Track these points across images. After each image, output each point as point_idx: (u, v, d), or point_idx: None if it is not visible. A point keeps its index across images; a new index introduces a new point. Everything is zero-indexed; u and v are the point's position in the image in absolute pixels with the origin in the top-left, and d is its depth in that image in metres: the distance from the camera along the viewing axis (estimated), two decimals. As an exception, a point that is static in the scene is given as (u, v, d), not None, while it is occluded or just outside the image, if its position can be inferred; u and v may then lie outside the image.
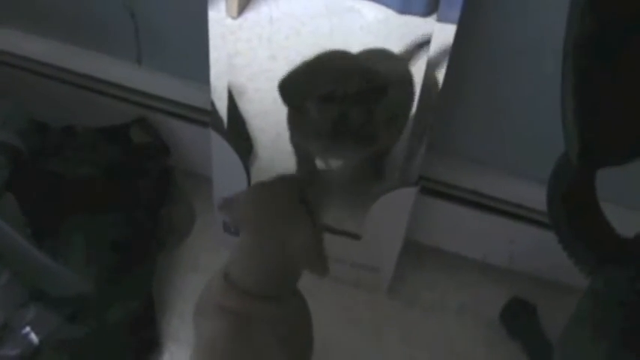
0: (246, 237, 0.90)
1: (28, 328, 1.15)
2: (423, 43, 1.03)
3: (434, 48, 1.02)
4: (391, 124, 1.15)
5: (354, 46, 1.08)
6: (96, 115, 1.37)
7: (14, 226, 1.14)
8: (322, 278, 0.89)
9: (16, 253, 1.16)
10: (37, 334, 1.15)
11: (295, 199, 0.91)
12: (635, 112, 0.70)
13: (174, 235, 1.39)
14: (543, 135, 1.01)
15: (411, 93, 1.08)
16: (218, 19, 1.09)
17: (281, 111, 1.16)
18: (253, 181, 1.25)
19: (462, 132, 1.24)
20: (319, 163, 1.24)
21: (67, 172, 1.27)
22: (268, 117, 1.20)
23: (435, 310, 1.34)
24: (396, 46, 1.07)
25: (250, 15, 1.09)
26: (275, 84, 1.13)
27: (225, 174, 1.28)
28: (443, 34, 1.00)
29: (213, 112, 1.20)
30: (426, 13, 1.00)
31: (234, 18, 1.09)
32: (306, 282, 0.94)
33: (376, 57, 1.09)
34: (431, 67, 1.04)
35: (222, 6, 1.07)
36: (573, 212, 0.81)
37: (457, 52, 1.02)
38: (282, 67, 1.11)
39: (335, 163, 1.25)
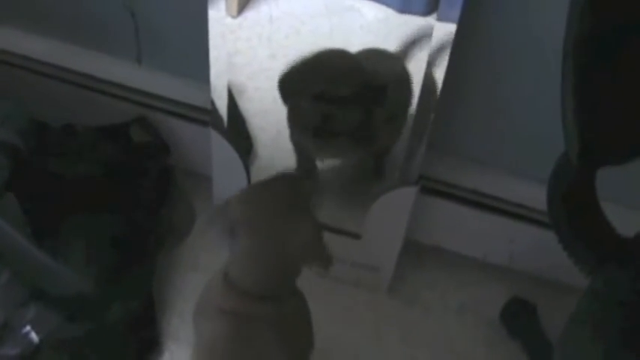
0: (246, 237, 0.90)
1: (28, 328, 1.15)
2: (423, 43, 1.03)
3: (434, 47, 1.02)
4: (391, 124, 1.15)
5: (354, 46, 1.08)
6: (96, 114, 1.37)
7: (14, 225, 1.14)
8: (327, 270, 0.89)
9: (16, 253, 1.16)
10: (37, 333, 1.15)
11: (294, 197, 0.90)
12: (635, 112, 0.70)
13: (174, 235, 1.39)
14: (543, 135, 1.01)
15: (410, 93, 1.08)
16: (218, 18, 1.09)
17: (281, 110, 1.16)
18: (253, 180, 1.25)
19: (462, 132, 1.24)
20: (319, 163, 1.24)
21: (67, 171, 1.26)
22: (268, 116, 1.20)
23: (435, 310, 1.34)
24: (396, 46, 1.07)
25: (250, 14, 1.09)
26: (275, 83, 1.13)
27: (226, 173, 1.28)
28: (443, 33, 1.00)
29: (213, 111, 1.20)
30: (426, 13, 1.00)
31: (234, 17, 1.09)
32: (306, 282, 0.93)
33: (375, 57, 1.09)
34: (431, 66, 1.04)
35: (222, 5, 1.07)
36: (573, 212, 0.81)
37: (457, 52, 1.02)
38: (282, 66, 1.11)
39: (335, 162, 1.25)
